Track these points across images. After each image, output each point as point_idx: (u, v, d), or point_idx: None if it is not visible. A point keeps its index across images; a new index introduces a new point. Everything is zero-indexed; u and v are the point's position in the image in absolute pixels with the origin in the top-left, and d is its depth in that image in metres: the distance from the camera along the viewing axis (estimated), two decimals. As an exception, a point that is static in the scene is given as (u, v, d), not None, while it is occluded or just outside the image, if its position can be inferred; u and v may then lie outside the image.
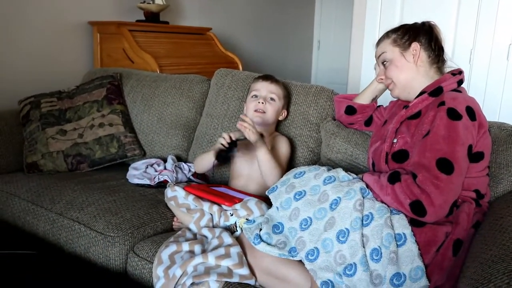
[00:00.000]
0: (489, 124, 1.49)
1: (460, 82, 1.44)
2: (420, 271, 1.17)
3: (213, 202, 1.57)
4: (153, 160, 2.07)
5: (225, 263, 1.31)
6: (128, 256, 1.54)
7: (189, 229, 1.56)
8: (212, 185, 1.76)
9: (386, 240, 1.19)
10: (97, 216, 1.63)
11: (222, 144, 1.60)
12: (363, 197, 1.28)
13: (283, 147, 1.79)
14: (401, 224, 1.23)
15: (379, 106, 1.75)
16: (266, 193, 1.43)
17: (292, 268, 1.30)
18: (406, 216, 1.25)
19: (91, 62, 3.15)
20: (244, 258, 1.34)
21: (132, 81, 2.36)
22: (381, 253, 1.18)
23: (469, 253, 1.17)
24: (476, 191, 1.34)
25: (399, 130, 1.44)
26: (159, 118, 2.20)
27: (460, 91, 1.41)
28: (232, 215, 1.51)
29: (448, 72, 1.47)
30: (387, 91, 1.61)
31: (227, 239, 1.41)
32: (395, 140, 1.42)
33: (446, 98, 1.33)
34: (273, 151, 1.73)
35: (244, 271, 1.31)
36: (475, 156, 1.32)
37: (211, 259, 1.32)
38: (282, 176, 1.59)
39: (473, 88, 2.78)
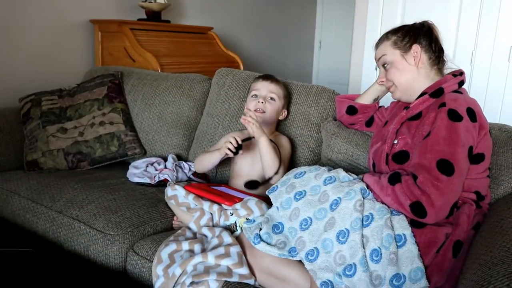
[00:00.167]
0: (490, 126, 1.49)
1: (461, 83, 1.44)
2: (420, 272, 1.17)
3: (213, 202, 1.57)
4: (153, 159, 2.07)
5: (225, 262, 1.31)
6: (127, 255, 1.54)
7: (189, 228, 1.56)
8: (212, 184, 1.76)
9: (386, 241, 1.19)
10: (97, 214, 1.63)
11: (229, 149, 1.61)
12: (364, 198, 1.28)
13: (284, 146, 1.79)
14: (401, 225, 1.23)
15: (380, 106, 1.74)
16: (266, 192, 1.43)
17: (292, 268, 1.30)
18: (406, 217, 1.25)
19: (92, 60, 3.15)
20: (243, 257, 1.34)
21: (133, 80, 2.36)
22: (381, 254, 1.18)
23: (469, 255, 1.17)
24: (476, 193, 1.34)
25: (400, 131, 1.44)
26: (159, 117, 2.20)
27: (461, 92, 1.41)
28: (232, 214, 1.50)
29: (449, 73, 1.47)
30: (389, 93, 1.60)
31: (227, 238, 1.41)
32: (395, 141, 1.42)
33: (447, 99, 1.33)
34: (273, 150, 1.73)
35: (244, 270, 1.30)
36: (475, 158, 1.31)
37: (210, 259, 1.32)
38: (283, 173, 1.60)
39: (474, 89, 2.78)
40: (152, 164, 2.04)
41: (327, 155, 1.79)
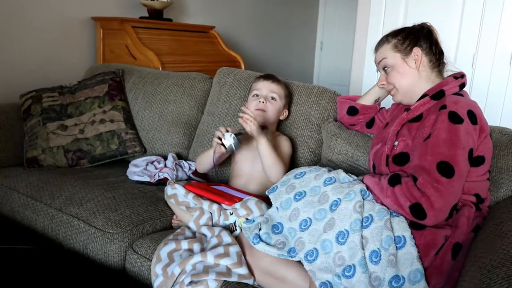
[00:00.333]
0: (490, 129, 1.49)
1: (462, 85, 1.44)
2: (419, 274, 1.17)
3: (213, 201, 1.57)
4: (153, 158, 2.07)
5: (224, 262, 1.31)
6: (126, 253, 1.54)
7: (189, 228, 1.56)
8: (212, 184, 1.76)
9: (385, 242, 1.19)
10: (97, 212, 1.63)
11: (219, 138, 1.60)
12: (363, 199, 1.28)
13: (284, 146, 1.79)
14: (401, 227, 1.23)
15: (381, 108, 1.74)
16: (266, 193, 1.43)
17: (291, 268, 1.30)
18: (406, 218, 1.25)
19: (94, 57, 3.15)
20: (243, 257, 1.34)
21: (134, 78, 2.35)
22: (380, 255, 1.18)
23: (468, 257, 1.17)
24: (476, 195, 1.34)
25: (400, 132, 1.44)
26: (160, 115, 2.20)
27: (462, 95, 1.41)
28: (231, 214, 1.50)
29: (450, 76, 1.47)
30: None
31: (226, 238, 1.41)
32: (396, 143, 1.42)
33: (448, 101, 1.33)
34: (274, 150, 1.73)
35: (243, 270, 1.30)
36: (476, 160, 1.31)
37: (210, 258, 1.32)
38: (284, 172, 1.60)
39: (475, 92, 2.78)
40: (152, 162, 2.04)
41: (328, 156, 1.79)
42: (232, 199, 1.54)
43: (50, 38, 2.88)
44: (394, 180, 1.27)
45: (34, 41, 2.80)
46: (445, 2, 2.87)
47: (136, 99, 2.28)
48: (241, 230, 1.43)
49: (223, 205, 1.55)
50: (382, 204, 1.28)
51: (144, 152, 2.18)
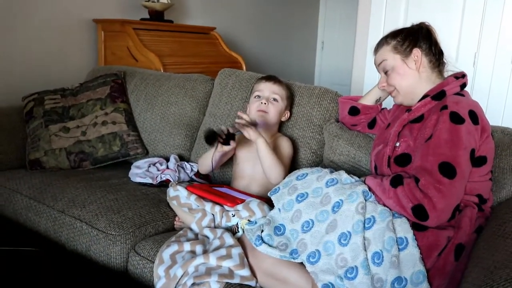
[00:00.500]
0: (492, 129, 1.49)
1: (463, 85, 1.44)
2: (421, 275, 1.17)
3: (215, 203, 1.57)
4: (155, 159, 2.07)
5: (226, 264, 1.31)
6: (129, 255, 1.54)
7: (191, 229, 1.56)
8: (215, 185, 1.76)
9: (388, 244, 1.19)
10: (99, 214, 1.63)
11: (220, 136, 1.60)
12: (366, 200, 1.28)
13: (285, 147, 1.78)
14: (403, 228, 1.22)
15: (383, 108, 1.74)
16: (268, 194, 1.43)
17: (293, 270, 1.30)
18: (408, 220, 1.24)
19: (95, 59, 3.15)
20: (245, 259, 1.34)
21: (136, 80, 2.36)
22: (383, 257, 1.18)
23: (471, 258, 1.17)
24: (478, 196, 1.34)
25: (402, 133, 1.44)
26: (162, 117, 2.20)
27: (463, 95, 1.40)
28: (234, 216, 1.50)
29: (451, 76, 1.46)
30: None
31: (229, 239, 1.41)
32: (397, 144, 1.42)
33: (449, 102, 1.33)
34: (275, 151, 1.72)
35: (245, 272, 1.31)
36: (478, 161, 1.31)
37: (212, 260, 1.32)
38: (284, 174, 1.60)
39: (476, 91, 2.77)
40: (154, 164, 2.04)
41: (329, 157, 1.79)
42: (235, 201, 1.54)
43: (52, 40, 2.89)
44: (396, 181, 1.27)
45: (36, 43, 2.81)
46: (445, 1, 2.86)
47: (138, 101, 2.28)
48: (243, 231, 1.43)
49: (225, 206, 1.56)
50: (384, 205, 1.28)
51: (146, 154, 2.18)
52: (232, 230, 1.50)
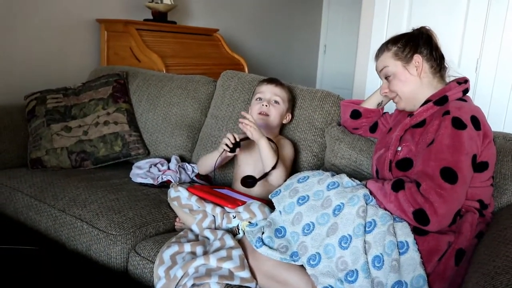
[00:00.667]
0: (494, 135, 1.49)
1: (466, 91, 1.44)
2: (422, 280, 1.17)
3: (216, 204, 1.57)
4: (156, 160, 2.07)
5: (227, 265, 1.31)
6: (129, 255, 1.54)
7: (191, 230, 1.56)
8: (216, 187, 1.76)
9: (388, 248, 1.19)
10: (100, 214, 1.63)
11: (227, 145, 1.61)
12: (367, 204, 1.28)
13: (287, 150, 1.79)
14: (404, 232, 1.23)
15: (385, 113, 1.74)
16: (269, 196, 1.43)
17: (293, 272, 1.30)
18: (409, 224, 1.24)
19: (98, 59, 3.16)
20: (245, 261, 1.34)
21: (138, 80, 2.36)
22: (383, 261, 1.18)
23: (472, 264, 1.17)
24: (479, 201, 1.34)
25: (403, 138, 1.44)
26: (164, 117, 2.20)
27: (465, 100, 1.40)
28: (234, 217, 1.51)
29: (453, 81, 1.46)
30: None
31: (229, 241, 1.41)
32: (399, 148, 1.42)
33: (451, 107, 1.33)
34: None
35: (245, 274, 1.31)
36: (479, 166, 1.31)
37: (212, 261, 1.32)
38: (285, 176, 1.60)
39: (478, 97, 2.77)
40: (155, 165, 2.04)
41: (331, 160, 1.79)
42: (235, 203, 1.54)
43: (54, 40, 2.89)
44: (398, 186, 1.27)
45: (38, 42, 2.81)
46: (448, 6, 2.87)
47: (140, 102, 2.29)
48: (244, 233, 1.43)
49: (226, 208, 1.56)
50: (385, 209, 1.28)
51: (147, 154, 2.19)
52: (232, 232, 1.50)
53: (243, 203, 1.54)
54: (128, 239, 1.56)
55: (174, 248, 1.41)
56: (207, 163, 1.78)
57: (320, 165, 1.89)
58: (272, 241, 1.30)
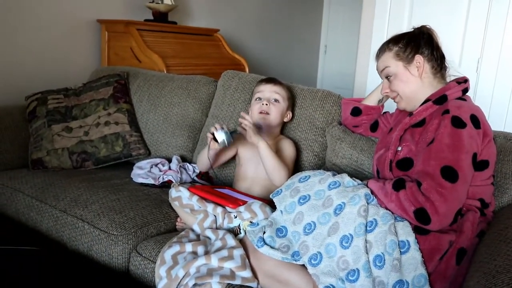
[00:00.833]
0: (495, 134, 1.49)
1: (465, 90, 1.44)
2: (423, 279, 1.17)
3: (217, 204, 1.57)
4: (157, 160, 2.08)
5: (228, 265, 1.31)
6: (130, 255, 1.54)
7: (193, 230, 1.56)
8: (217, 187, 1.76)
9: (389, 247, 1.19)
10: (101, 214, 1.63)
11: (213, 134, 1.60)
12: (368, 203, 1.28)
13: (288, 149, 1.79)
14: (405, 231, 1.23)
15: (385, 112, 1.74)
16: (271, 196, 1.43)
17: (294, 272, 1.30)
18: (410, 223, 1.25)
19: (99, 60, 3.16)
20: (247, 260, 1.34)
21: (139, 81, 2.36)
22: (384, 260, 1.18)
23: (473, 263, 1.17)
24: (480, 200, 1.34)
25: (403, 138, 1.44)
26: (165, 118, 2.20)
27: (465, 100, 1.41)
28: (236, 217, 1.51)
29: (453, 80, 1.47)
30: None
31: (231, 241, 1.41)
32: (399, 148, 1.42)
33: (451, 106, 1.33)
34: (278, 153, 1.73)
35: (247, 273, 1.31)
36: (480, 165, 1.31)
37: (214, 261, 1.32)
38: (287, 176, 1.60)
39: (479, 97, 2.77)
40: (156, 165, 2.05)
41: (332, 160, 1.79)
42: (237, 202, 1.54)
43: (55, 40, 2.90)
44: (399, 185, 1.27)
45: (39, 43, 2.81)
46: (449, 6, 2.87)
47: (140, 102, 2.29)
48: (245, 233, 1.43)
49: (227, 208, 1.56)
50: (387, 208, 1.28)
51: (148, 154, 2.19)
52: (234, 232, 1.50)
53: (244, 202, 1.54)
54: (130, 239, 1.56)
55: (176, 248, 1.41)
56: (202, 158, 1.78)
57: (321, 165, 1.89)
58: (274, 240, 1.30)
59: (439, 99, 1.40)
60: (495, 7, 2.70)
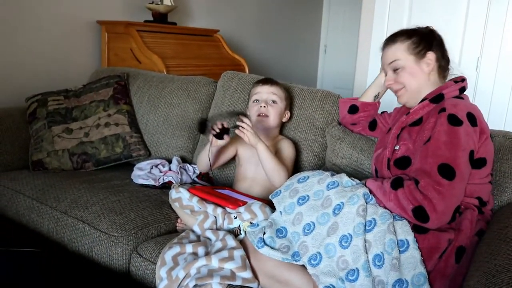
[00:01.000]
0: (494, 133, 1.50)
1: (462, 89, 1.45)
2: (422, 278, 1.17)
3: (217, 205, 1.57)
4: (158, 161, 2.08)
5: (228, 266, 1.31)
6: (131, 257, 1.54)
7: (193, 231, 1.56)
8: (217, 187, 1.76)
9: (388, 246, 1.19)
10: (101, 215, 1.64)
11: (213, 130, 1.60)
12: (366, 203, 1.28)
13: (287, 150, 1.79)
14: (404, 230, 1.23)
15: (383, 112, 1.75)
16: (270, 197, 1.43)
17: (294, 272, 1.30)
18: (409, 222, 1.25)
19: (99, 61, 3.16)
20: (247, 261, 1.35)
21: (139, 82, 2.36)
22: (384, 259, 1.18)
23: (473, 262, 1.17)
24: (478, 198, 1.35)
25: (401, 136, 1.44)
26: (165, 119, 2.21)
27: (462, 98, 1.41)
28: (236, 218, 1.51)
29: (450, 80, 1.48)
30: (389, 92, 1.60)
31: (231, 242, 1.41)
32: (397, 147, 1.43)
33: (447, 104, 1.34)
34: (277, 154, 1.73)
35: (247, 274, 1.31)
36: (477, 162, 1.32)
37: (214, 262, 1.32)
38: (287, 176, 1.60)
39: (479, 96, 2.77)
40: (156, 166, 2.05)
41: (332, 160, 1.79)
42: (237, 203, 1.54)
43: (55, 41, 2.90)
44: (397, 184, 1.28)
45: (39, 44, 2.82)
46: (449, 6, 2.87)
47: (140, 103, 2.29)
48: (246, 234, 1.43)
49: (227, 208, 1.56)
50: (385, 207, 1.28)
51: (148, 155, 2.19)
52: (234, 232, 1.50)
53: (244, 203, 1.54)
54: (130, 240, 1.56)
55: (176, 249, 1.41)
56: (203, 157, 1.77)
57: (321, 165, 1.89)
58: (274, 241, 1.30)
59: (436, 97, 1.40)
60: (494, 5, 2.70)
